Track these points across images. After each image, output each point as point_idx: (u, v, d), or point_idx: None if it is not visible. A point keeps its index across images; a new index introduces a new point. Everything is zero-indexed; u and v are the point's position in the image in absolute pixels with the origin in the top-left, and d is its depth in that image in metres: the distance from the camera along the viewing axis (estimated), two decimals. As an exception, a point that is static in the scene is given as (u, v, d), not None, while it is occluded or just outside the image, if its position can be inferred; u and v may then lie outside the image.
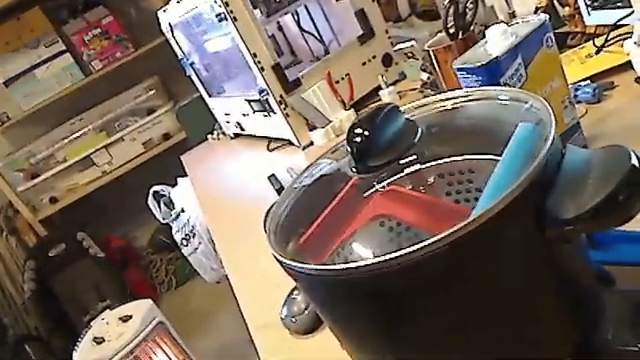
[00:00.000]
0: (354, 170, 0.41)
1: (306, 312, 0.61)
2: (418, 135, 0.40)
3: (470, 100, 0.44)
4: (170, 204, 1.85)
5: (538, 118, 0.38)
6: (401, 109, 0.42)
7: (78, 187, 2.59)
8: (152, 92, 2.60)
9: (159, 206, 1.92)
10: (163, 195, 1.92)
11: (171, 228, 1.87)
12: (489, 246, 0.31)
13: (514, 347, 0.34)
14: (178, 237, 1.80)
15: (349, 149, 0.40)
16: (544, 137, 0.34)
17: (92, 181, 2.59)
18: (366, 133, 0.38)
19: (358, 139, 0.38)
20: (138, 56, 2.50)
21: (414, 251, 0.30)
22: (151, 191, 1.91)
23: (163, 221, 1.88)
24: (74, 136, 2.55)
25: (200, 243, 1.75)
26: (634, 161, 0.29)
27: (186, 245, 1.78)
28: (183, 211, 1.77)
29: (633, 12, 0.60)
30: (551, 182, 0.32)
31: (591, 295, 0.38)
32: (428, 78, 1.04)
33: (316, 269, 0.34)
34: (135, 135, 2.62)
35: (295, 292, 0.64)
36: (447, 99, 0.45)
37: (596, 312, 0.37)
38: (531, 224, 0.31)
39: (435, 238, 0.30)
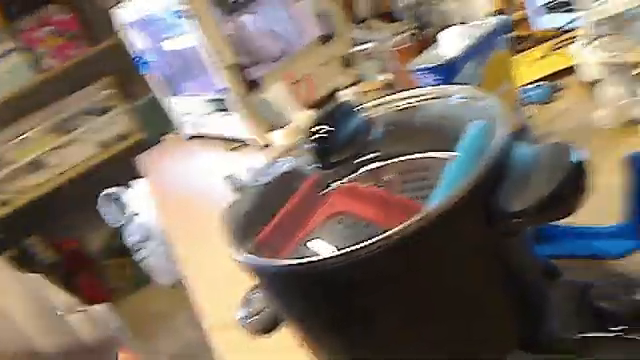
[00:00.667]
0: (314, 167, 0.41)
1: (264, 311, 0.60)
2: (376, 132, 0.40)
3: (426, 99, 0.45)
4: (124, 207, 1.81)
5: (491, 116, 0.39)
6: (359, 107, 0.42)
7: (28, 189, 2.50)
8: (107, 91, 2.53)
9: (112, 209, 1.88)
10: (117, 198, 1.88)
11: (125, 231, 1.83)
12: (440, 240, 0.32)
13: (463, 341, 0.35)
14: (132, 240, 1.77)
15: (309, 145, 0.40)
16: (495, 134, 0.35)
17: (43, 183, 2.50)
18: (327, 129, 0.38)
19: (319, 135, 0.39)
20: (93, 54, 2.43)
21: (367, 246, 0.30)
22: (102, 194, 1.86)
23: (117, 224, 1.84)
24: (24, 136, 2.45)
25: (155, 246, 1.72)
26: (577, 158, 0.31)
27: (140, 248, 1.75)
28: (137, 214, 1.74)
29: (579, 16, 0.62)
30: (500, 178, 0.33)
31: (537, 288, 0.39)
32: (387, 79, 1.06)
33: (272, 265, 0.34)
34: (89, 136, 2.54)
35: (253, 292, 0.64)
36: (404, 98, 0.46)
37: (542, 304, 0.39)
38: (480, 218, 0.32)
39: (387, 233, 0.30)
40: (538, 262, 0.40)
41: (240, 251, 0.37)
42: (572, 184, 0.29)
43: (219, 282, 0.73)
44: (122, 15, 1.33)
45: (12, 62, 2.40)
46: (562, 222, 0.32)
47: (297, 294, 0.35)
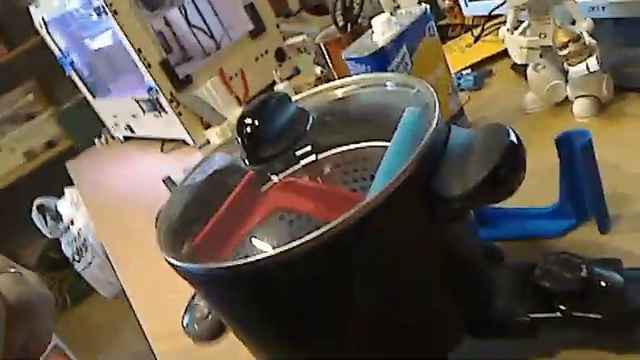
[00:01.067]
0: (246, 162, 0.39)
1: (209, 318, 0.58)
2: (310, 123, 0.39)
3: (360, 87, 0.44)
4: (57, 217, 1.72)
5: (424, 102, 0.39)
6: (291, 98, 0.41)
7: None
8: (30, 96, 2.39)
9: (45, 220, 1.78)
10: (49, 208, 1.78)
11: (61, 243, 1.74)
12: (381, 230, 0.31)
13: (411, 332, 0.35)
14: (69, 252, 1.68)
15: (239, 140, 0.38)
16: (429, 120, 0.34)
17: (-34, 197, 2.34)
18: (256, 122, 0.37)
19: (248, 129, 0.37)
20: (12, 57, 2.29)
21: (305, 242, 0.29)
22: (35, 204, 1.76)
23: (51, 236, 1.74)
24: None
25: (94, 257, 1.65)
26: (512, 137, 0.31)
27: (78, 260, 1.66)
28: (72, 223, 1.65)
29: (506, 2, 0.63)
30: (437, 163, 0.32)
31: (483, 272, 0.39)
32: (322, 72, 1.05)
33: (207, 268, 0.32)
34: (14, 144, 2.39)
35: (196, 298, 0.61)
36: (337, 87, 0.44)
37: (488, 288, 0.38)
38: (421, 205, 0.32)
39: (325, 227, 0.29)
40: (482, 246, 0.40)
41: (175, 256, 0.35)
42: (510, 163, 0.29)
43: (161, 290, 0.70)
44: (39, 12, 1.25)
45: None
46: (501, 205, 0.32)
47: (234, 297, 0.34)
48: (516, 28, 0.61)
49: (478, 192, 0.29)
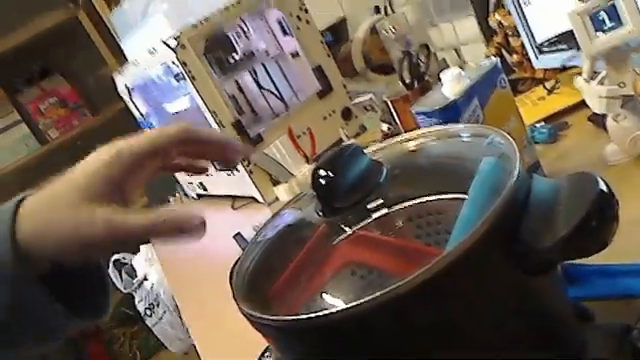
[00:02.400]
0: (320, 214, 0.39)
1: (278, 374, 0.57)
2: (383, 175, 0.39)
3: (432, 139, 0.44)
4: (132, 272, 1.78)
5: (500, 152, 0.38)
6: (364, 151, 0.41)
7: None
8: (111, 158, 2.55)
9: (120, 275, 1.84)
10: (124, 263, 1.85)
11: (134, 298, 1.79)
12: (463, 284, 0.30)
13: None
14: (141, 307, 1.72)
15: (314, 192, 0.38)
16: (508, 170, 0.33)
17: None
18: (330, 174, 0.37)
19: (323, 180, 0.37)
20: (96, 123, 2.47)
21: (387, 292, 0.28)
22: (111, 260, 1.84)
23: (125, 291, 1.80)
24: (29, 207, 2.45)
25: (165, 312, 1.68)
26: (602, 186, 0.29)
27: (150, 315, 1.70)
28: (146, 279, 1.70)
29: (579, 53, 0.62)
30: (521, 213, 0.31)
31: (573, 332, 0.36)
32: (389, 128, 1.05)
33: (286, 319, 0.31)
34: (94, 204, 2.53)
35: (266, 354, 0.61)
36: (409, 139, 0.44)
37: (579, 349, 0.36)
38: (505, 257, 0.30)
39: (409, 278, 0.28)
40: (570, 303, 0.37)
41: (250, 308, 0.35)
42: (602, 212, 0.27)
43: (231, 345, 0.70)
44: (122, 80, 1.35)
45: (18, 133, 2.44)
46: (588, 261, 0.30)
47: (313, 350, 0.33)
48: (593, 78, 0.59)
49: (568, 243, 0.28)
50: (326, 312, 0.29)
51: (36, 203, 0.40)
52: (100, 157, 0.41)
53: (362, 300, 0.28)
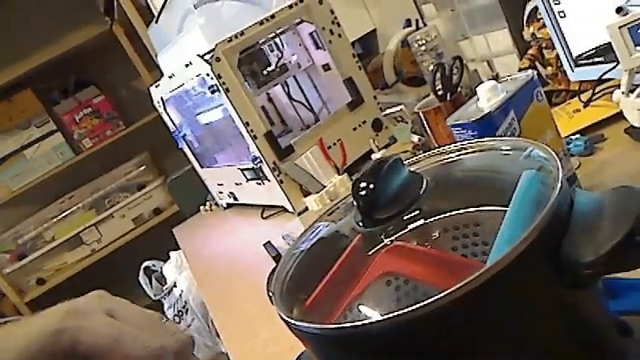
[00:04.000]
0: (360, 225, 0.40)
1: (311, 383, 0.58)
2: (424, 187, 0.39)
3: (469, 152, 0.44)
4: (162, 279, 1.81)
5: (539, 165, 0.38)
6: (403, 163, 0.41)
7: (66, 267, 2.53)
8: (142, 168, 2.60)
9: (150, 282, 1.88)
10: (155, 270, 1.88)
11: (163, 305, 1.82)
12: (505, 298, 0.30)
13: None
14: (170, 314, 1.75)
15: (354, 202, 0.39)
16: (549, 182, 0.33)
17: (81, 260, 2.54)
18: (371, 185, 0.37)
19: (363, 191, 0.38)
20: (129, 133, 2.53)
21: (429, 304, 0.28)
22: (142, 267, 1.87)
23: (155, 297, 1.83)
24: (63, 215, 2.52)
25: (193, 319, 1.70)
26: (647, 200, 0.29)
27: (179, 322, 1.72)
28: (175, 286, 1.73)
29: (617, 66, 0.62)
30: (564, 226, 0.31)
31: (613, 345, 0.36)
32: (419, 140, 1.06)
33: (328, 328, 0.32)
34: (125, 212, 2.59)
35: (298, 362, 0.61)
36: (447, 152, 0.45)
37: (620, 364, 0.35)
38: (548, 271, 0.30)
39: (451, 289, 0.28)
40: (611, 317, 0.37)
41: (290, 316, 0.35)
42: (647, 228, 0.27)
43: (262, 353, 0.71)
44: (158, 92, 1.39)
45: (53, 143, 2.51)
46: (629, 275, 0.30)
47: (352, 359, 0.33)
48: (632, 91, 0.59)
49: (612, 257, 0.28)
50: (369, 321, 0.29)
51: None
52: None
53: (405, 310, 0.29)
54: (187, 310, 1.66)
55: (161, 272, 1.79)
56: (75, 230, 2.52)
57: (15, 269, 2.46)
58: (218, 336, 1.19)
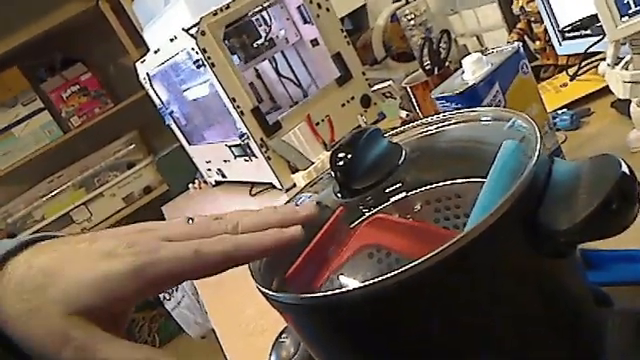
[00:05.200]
0: (338, 195, 0.40)
1: (296, 356, 0.58)
2: (402, 157, 0.39)
3: (452, 123, 0.44)
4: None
5: (521, 135, 0.37)
6: (383, 133, 0.41)
7: (56, 246, 2.51)
8: (132, 146, 2.58)
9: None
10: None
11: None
12: (482, 264, 0.30)
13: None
14: (161, 291, 1.75)
15: (332, 173, 0.38)
16: (529, 152, 0.33)
17: (71, 239, 2.52)
18: (349, 155, 0.37)
19: (341, 162, 0.37)
20: (117, 111, 2.50)
21: (403, 272, 0.28)
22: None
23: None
24: (52, 194, 2.50)
25: (183, 296, 1.70)
26: (624, 168, 0.29)
27: (169, 299, 1.73)
28: (165, 264, 1.73)
29: (603, 39, 0.61)
30: (541, 195, 0.31)
31: (591, 317, 0.36)
32: (407, 115, 1.05)
33: (304, 297, 0.32)
34: (115, 190, 2.57)
35: (283, 336, 0.61)
36: (429, 123, 0.44)
37: (597, 334, 0.35)
38: (524, 239, 0.30)
39: (426, 257, 0.28)
40: (589, 288, 0.37)
41: (269, 288, 0.35)
42: (623, 194, 0.27)
43: (249, 329, 0.71)
44: (144, 68, 1.36)
45: (41, 121, 2.48)
46: (608, 247, 0.30)
47: (330, 330, 0.33)
48: (617, 63, 0.58)
49: (588, 225, 0.28)
50: (345, 289, 0.29)
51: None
52: (125, 260, 0.31)
53: (380, 278, 0.28)
54: (177, 288, 1.66)
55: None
56: (65, 209, 2.50)
57: (5, 248, 2.44)
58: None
